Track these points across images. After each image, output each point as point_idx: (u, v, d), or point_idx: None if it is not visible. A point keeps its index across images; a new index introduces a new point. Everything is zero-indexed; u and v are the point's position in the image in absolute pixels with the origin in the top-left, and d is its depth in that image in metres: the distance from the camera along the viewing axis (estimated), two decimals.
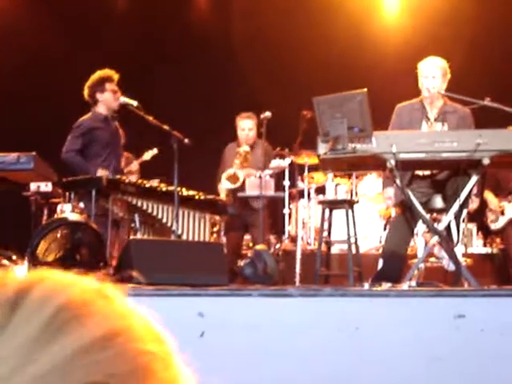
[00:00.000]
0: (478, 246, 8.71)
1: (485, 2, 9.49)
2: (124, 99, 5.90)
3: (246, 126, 7.22)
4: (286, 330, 3.03)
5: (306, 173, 8.59)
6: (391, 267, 5.19)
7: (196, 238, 5.93)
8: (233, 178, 7.00)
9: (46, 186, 6.42)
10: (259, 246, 5.75)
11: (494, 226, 7.50)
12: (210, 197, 6.17)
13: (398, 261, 5.23)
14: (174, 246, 4.98)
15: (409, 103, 5.50)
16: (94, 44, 9.37)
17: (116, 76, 6.01)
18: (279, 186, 7.56)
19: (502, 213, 7.37)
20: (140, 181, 5.89)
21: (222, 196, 6.96)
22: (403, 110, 5.47)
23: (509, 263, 7.38)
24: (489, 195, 7.43)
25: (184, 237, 5.86)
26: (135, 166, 7.78)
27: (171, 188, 5.68)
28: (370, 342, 2.98)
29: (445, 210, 4.93)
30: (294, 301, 3.09)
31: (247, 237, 7.68)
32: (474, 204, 5.48)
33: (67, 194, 5.64)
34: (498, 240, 8.23)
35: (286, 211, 8.44)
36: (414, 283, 4.54)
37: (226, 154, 7.37)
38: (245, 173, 6.97)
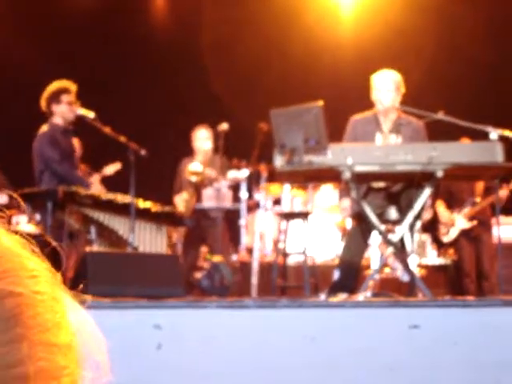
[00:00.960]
0: (432, 257, 8.83)
1: (436, 14, 9.65)
2: (81, 111, 5.86)
3: (202, 136, 7.27)
4: (243, 341, 3.04)
5: (262, 184, 8.63)
6: (347, 278, 5.23)
7: (153, 250, 5.92)
8: (197, 174, 7.05)
9: (1, 198, 6.35)
10: (216, 258, 5.77)
11: (445, 239, 7.60)
12: (167, 209, 6.16)
13: (354, 272, 5.27)
14: (130, 259, 4.96)
15: (362, 116, 5.55)
16: (53, 55, 9.31)
17: (73, 87, 5.97)
18: (236, 198, 7.58)
19: (453, 224, 7.48)
20: (96, 193, 5.85)
21: (180, 208, 6.98)
22: (357, 123, 5.52)
23: (461, 274, 7.48)
24: (440, 208, 7.53)
25: (141, 249, 5.84)
26: (96, 178, 7.72)
27: (128, 200, 5.66)
28: (326, 353, 3.01)
29: (399, 222, 4.99)
30: (250, 312, 3.11)
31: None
32: (427, 214, 5.56)
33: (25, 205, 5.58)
34: (450, 251, 8.34)
35: (242, 223, 8.46)
36: (369, 294, 4.60)
37: (182, 168, 7.38)
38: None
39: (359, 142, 5.31)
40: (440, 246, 8.21)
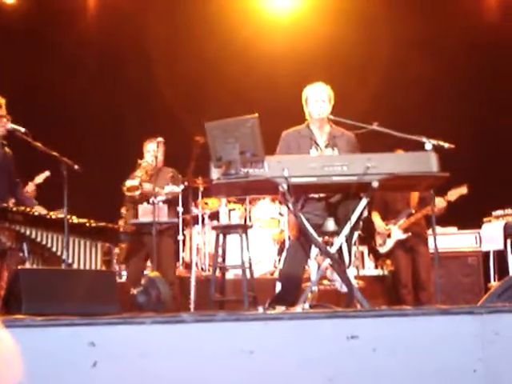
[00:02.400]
0: (370, 268, 8.91)
1: (366, 27, 9.78)
2: (11, 125, 5.72)
3: (150, 148, 7.22)
4: (181, 356, 2.99)
5: (199, 198, 8.58)
6: (288, 291, 5.20)
7: (87, 267, 5.80)
8: (133, 189, 6.96)
9: None
10: (153, 274, 5.68)
11: (382, 250, 7.66)
12: (102, 224, 6.05)
13: (295, 284, 5.25)
14: (64, 275, 4.84)
15: (295, 129, 5.53)
16: None
17: (2, 101, 5.84)
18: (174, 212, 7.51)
19: (389, 235, 7.54)
20: (28, 209, 5.71)
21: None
22: (290, 137, 5.49)
23: (398, 285, 7.54)
24: (375, 218, 7.59)
25: (75, 265, 5.72)
26: (31, 187, 7.70)
27: (61, 215, 5.54)
28: (265, 365, 2.97)
29: (337, 233, 4.99)
30: (187, 327, 3.05)
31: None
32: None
33: None
34: (388, 262, 8.41)
35: (179, 237, 8.40)
36: (307, 306, 4.57)
37: None
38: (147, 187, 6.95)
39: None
40: (377, 256, 8.27)
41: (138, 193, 6.92)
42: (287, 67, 9.68)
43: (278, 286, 5.46)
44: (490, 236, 7.82)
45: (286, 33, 10.26)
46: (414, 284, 7.44)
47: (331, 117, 5.40)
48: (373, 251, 8.69)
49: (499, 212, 7.92)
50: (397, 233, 7.48)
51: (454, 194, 7.44)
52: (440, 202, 7.35)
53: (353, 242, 5.22)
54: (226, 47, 9.91)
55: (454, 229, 8.16)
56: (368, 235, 7.79)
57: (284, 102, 7.83)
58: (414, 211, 7.48)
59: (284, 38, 10.17)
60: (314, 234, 4.78)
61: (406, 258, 7.49)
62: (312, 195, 5.23)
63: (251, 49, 9.98)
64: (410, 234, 7.44)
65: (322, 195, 5.25)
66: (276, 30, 10.32)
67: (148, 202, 6.86)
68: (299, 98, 5.53)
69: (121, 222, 7.10)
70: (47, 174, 7.88)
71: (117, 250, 7.60)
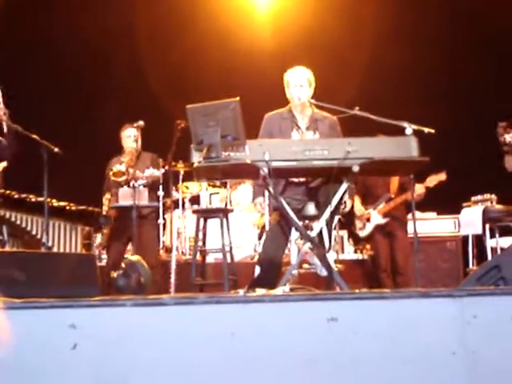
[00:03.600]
0: (349, 253, 8.94)
1: (347, 16, 9.80)
2: None
3: (131, 133, 7.21)
4: (161, 338, 2.99)
5: (180, 182, 8.58)
6: (268, 274, 5.23)
7: (67, 250, 5.79)
8: (120, 174, 6.94)
9: None
10: (133, 257, 5.67)
11: (361, 234, 7.70)
12: (82, 207, 6.04)
13: (274, 268, 5.27)
14: (43, 259, 4.83)
15: (277, 112, 5.56)
16: None
17: None
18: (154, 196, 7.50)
19: (369, 220, 7.58)
20: (8, 191, 5.68)
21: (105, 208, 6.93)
22: (272, 119, 5.52)
23: (377, 269, 7.59)
24: (356, 202, 7.63)
25: (55, 249, 5.70)
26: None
27: (40, 199, 5.52)
28: (246, 347, 2.98)
29: (317, 217, 5.01)
30: (168, 309, 3.06)
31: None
32: (346, 208, 5.61)
33: None
34: (367, 246, 8.46)
35: (160, 221, 8.39)
36: (287, 288, 4.60)
37: (111, 167, 7.30)
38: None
39: (275, 138, 5.32)
40: (357, 240, 8.30)
41: (123, 178, 6.90)
42: (269, 52, 9.68)
43: (257, 270, 5.48)
44: (468, 221, 7.88)
45: (267, 19, 10.27)
46: (391, 268, 7.50)
47: (312, 101, 5.42)
48: (352, 235, 8.73)
49: (478, 197, 7.98)
50: (376, 217, 7.52)
51: (432, 180, 7.50)
52: (419, 188, 7.41)
53: (333, 226, 5.24)
54: (207, 34, 9.90)
55: (433, 214, 8.22)
56: (348, 220, 7.82)
57: (266, 86, 7.82)
58: (393, 196, 7.52)
59: (265, 25, 10.17)
60: (295, 218, 4.80)
61: (384, 243, 7.55)
62: (292, 180, 5.25)
63: (232, 35, 9.96)
64: (388, 218, 7.48)
65: (301, 180, 5.27)
66: (257, 17, 10.31)
67: (128, 186, 6.84)
68: (281, 83, 5.53)
69: (105, 207, 7.09)
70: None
71: (99, 235, 7.58)
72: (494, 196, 7.89)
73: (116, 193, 6.99)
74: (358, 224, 7.68)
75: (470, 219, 7.85)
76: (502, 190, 7.64)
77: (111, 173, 6.92)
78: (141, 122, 7.04)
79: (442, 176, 7.50)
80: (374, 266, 7.65)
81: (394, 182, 7.59)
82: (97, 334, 3.00)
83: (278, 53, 9.39)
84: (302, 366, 2.98)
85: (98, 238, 7.39)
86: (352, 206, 7.58)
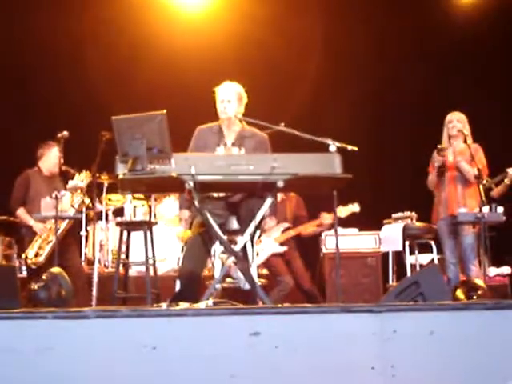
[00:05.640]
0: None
1: (274, 27, 9.89)
2: None
3: (57, 153, 7.13)
4: (82, 352, 2.96)
5: (104, 194, 8.49)
6: (188, 288, 5.20)
7: None
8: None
9: None
10: (54, 269, 5.59)
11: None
12: (2, 217, 5.93)
13: (194, 282, 5.25)
14: None
15: (208, 126, 5.57)
16: None
17: None
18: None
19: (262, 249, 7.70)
20: None
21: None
22: (201, 133, 5.54)
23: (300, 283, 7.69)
24: None
25: None
26: None
27: None
28: (168, 361, 2.98)
29: (240, 232, 5.03)
30: (90, 322, 3.03)
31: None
32: (272, 222, 5.66)
33: None
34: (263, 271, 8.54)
35: (83, 233, 8.29)
36: (210, 302, 4.60)
37: (31, 180, 7.21)
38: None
39: (202, 151, 5.33)
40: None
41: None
42: (199, 63, 9.69)
43: (178, 284, 5.46)
44: (389, 237, 8.02)
45: (199, 29, 10.26)
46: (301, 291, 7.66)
47: (239, 116, 5.45)
48: None
49: (399, 214, 8.14)
50: (272, 245, 7.61)
51: (344, 211, 7.70)
52: (327, 219, 7.62)
53: (255, 240, 5.28)
54: (136, 44, 9.85)
55: (354, 230, 8.33)
56: None
57: (195, 100, 7.83)
58: (290, 226, 7.68)
59: (195, 37, 10.16)
60: (220, 232, 4.81)
61: (284, 266, 7.68)
62: (211, 194, 5.25)
63: (163, 46, 9.93)
64: (286, 247, 7.63)
65: (221, 194, 5.28)
66: (188, 27, 10.30)
67: (51, 197, 6.74)
68: (210, 96, 5.55)
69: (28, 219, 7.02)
70: None
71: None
72: (413, 213, 8.06)
73: (38, 203, 6.89)
74: None
75: (391, 236, 8.00)
76: (422, 208, 7.81)
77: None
78: (65, 133, 6.95)
79: (356, 207, 7.70)
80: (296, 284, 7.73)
81: (289, 211, 7.75)
82: (16, 346, 2.95)
83: (208, 64, 9.41)
84: (224, 380, 2.99)
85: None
86: None
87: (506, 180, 7.17)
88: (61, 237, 6.72)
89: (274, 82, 9.70)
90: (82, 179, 7.03)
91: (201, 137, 5.51)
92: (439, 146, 6.77)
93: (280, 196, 7.24)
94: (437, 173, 6.88)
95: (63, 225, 6.90)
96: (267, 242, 7.59)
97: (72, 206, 6.91)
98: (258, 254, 7.62)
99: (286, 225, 7.70)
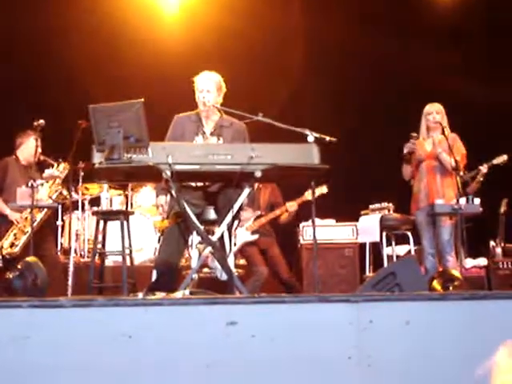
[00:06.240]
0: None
1: (250, 19, 9.87)
2: None
3: (35, 143, 7.06)
4: (59, 341, 2.94)
5: (80, 183, 8.44)
6: (165, 278, 5.19)
7: None
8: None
9: None
10: (29, 258, 5.55)
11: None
12: None
13: (171, 271, 5.23)
14: None
15: (186, 115, 5.56)
16: None
17: None
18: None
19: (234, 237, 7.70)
20: None
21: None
22: (179, 121, 5.52)
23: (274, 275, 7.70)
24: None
25: None
26: None
27: None
28: (144, 350, 2.96)
29: (217, 222, 5.02)
30: (66, 312, 3.00)
31: None
32: (248, 213, 5.64)
33: None
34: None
35: (59, 223, 8.23)
36: (187, 292, 4.59)
37: (9, 169, 7.16)
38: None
39: (180, 140, 5.31)
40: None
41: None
42: (178, 55, 9.67)
43: (155, 274, 5.44)
44: (366, 228, 8.05)
45: (177, 21, 10.24)
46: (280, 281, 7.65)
47: (217, 106, 5.44)
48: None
49: (376, 205, 8.17)
50: (244, 234, 7.60)
51: (310, 195, 7.70)
52: (291, 206, 7.62)
53: (232, 230, 5.27)
54: (116, 34, 9.79)
55: (332, 221, 8.35)
56: None
57: (175, 89, 7.78)
58: (262, 213, 7.67)
59: (175, 27, 10.14)
60: (197, 222, 4.80)
61: (259, 256, 7.66)
62: (189, 184, 5.23)
63: (142, 36, 9.89)
64: (257, 236, 7.60)
65: (199, 184, 5.27)
66: (168, 17, 10.27)
67: (27, 185, 6.68)
68: (190, 86, 5.53)
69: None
70: None
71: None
72: (391, 205, 8.09)
73: (14, 192, 6.83)
74: None
75: (368, 227, 8.03)
76: (399, 199, 7.85)
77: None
78: (41, 121, 6.89)
79: (324, 189, 7.69)
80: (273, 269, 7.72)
81: (263, 199, 7.74)
82: None
83: (187, 55, 9.38)
84: (200, 370, 2.98)
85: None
86: None
87: (478, 176, 7.24)
88: (37, 227, 6.66)
89: (254, 72, 9.68)
90: (60, 170, 6.97)
91: (179, 125, 5.49)
92: (412, 134, 6.81)
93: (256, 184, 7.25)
94: (403, 160, 6.92)
95: (40, 215, 6.84)
96: (239, 232, 7.57)
97: (50, 198, 6.85)
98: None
99: (258, 213, 7.69)
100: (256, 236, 7.59)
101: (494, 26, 9.98)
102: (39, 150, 6.94)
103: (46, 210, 6.90)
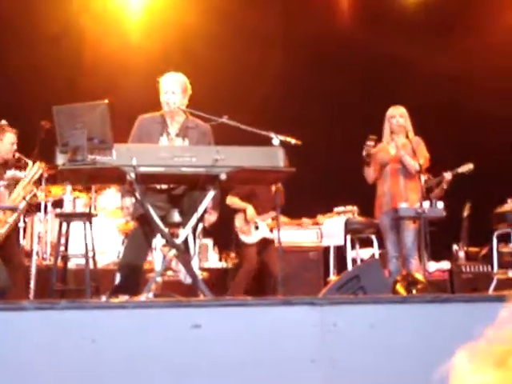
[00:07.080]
0: (214, 261, 8.98)
1: (225, 20, 9.87)
2: None
3: (14, 139, 6.93)
4: (20, 344, 2.90)
5: (43, 185, 8.34)
6: (128, 281, 5.16)
7: None
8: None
9: None
10: None
11: (246, 239, 7.77)
12: None
13: (135, 274, 5.20)
14: None
15: (151, 115, 5.52)
16: None
17: None
18: None
19: (257, 228, 7.71)
20: None
21: None
22: (144, 122, 5.48)
23: (265, 275, 7.72)
24: (248, 207, 7.74)
25: None
26: None
27: None
28: (107, 354, 2.94)
29: (181, 224, 5.00)
30: (28, 315, 2.96)
31: None
32: (212, 217, 5.61)
33: None
34: (232, 255, 8.52)
35: (21, 225, 8.13)
36: (151, 295, 4.56)
37: None
38: None
39: (144, 141, 5.27)
40: (238, 244, 8.18)
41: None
42: (144, 53, 9.64)
43: (118, 277, 5.40)
44: (330, 232, 8.08)
45: (141, 22, 10.20)
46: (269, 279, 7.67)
47: (182, 108, 5.41)
48: (217, 244, 8.82)
49: (340, 208, 8.19)
50: (265, 229, 7.66)
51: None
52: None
53: (197, 233, 5.25)
54: (81, 34, 9.73)
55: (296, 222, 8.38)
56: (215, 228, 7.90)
57: (139, 88, 7.75)
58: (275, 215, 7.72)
59: (139, 27, 10.11)
60: (161, 225, 4.77)
61: (256, 257, 7.73)
62: (153, 186, 5.21)
63: (108, 35, 9.84)
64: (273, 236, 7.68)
65: (163, 187, 5.24)
66: (136, 17, 10.24)
67: None
68: (154, 86, 5.50)
69: None
70: None
71: None
72: (355, 208, 8.12)
73: None
74: (244, 227, 7.75)
75: (332, 230, 8.06)
76: (363, 202, 7.88)
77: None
78: (3, 122, 6.80)
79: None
80: (263, 273, 7.76)
81: (281, 201, 7.80)
82: None
83: (152, 55, 9.35)
84: (165, 373, 2.97)
85: None
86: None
87: (443, 183, 7.30)
88: (9, 229, 6.54)
89: (221, 74, 9.66)
90: (35, 170, 6.86)
91: (143, 126, 5.45)
92: (370, 136, 6.82)
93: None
94: (365, 162, 6.95)
95: (13, 217, 6.71)
96: (262, 225, 7.64)
97: (24, 199, 6.74)
98: (250, 233, 7.68)
99: (273, 214, 7.73)
100: (272, 235, 7.65)
101: None
102: (15, 146, 6.82)
103: (18, 211, 6.78)
